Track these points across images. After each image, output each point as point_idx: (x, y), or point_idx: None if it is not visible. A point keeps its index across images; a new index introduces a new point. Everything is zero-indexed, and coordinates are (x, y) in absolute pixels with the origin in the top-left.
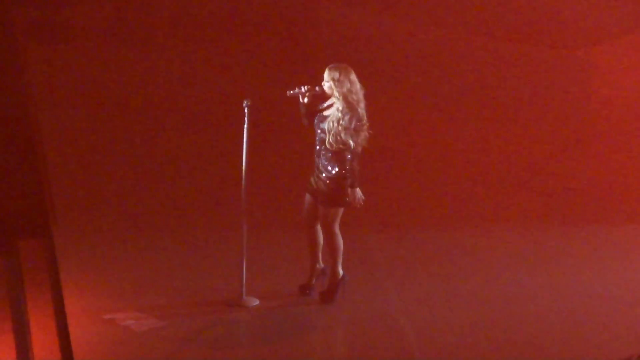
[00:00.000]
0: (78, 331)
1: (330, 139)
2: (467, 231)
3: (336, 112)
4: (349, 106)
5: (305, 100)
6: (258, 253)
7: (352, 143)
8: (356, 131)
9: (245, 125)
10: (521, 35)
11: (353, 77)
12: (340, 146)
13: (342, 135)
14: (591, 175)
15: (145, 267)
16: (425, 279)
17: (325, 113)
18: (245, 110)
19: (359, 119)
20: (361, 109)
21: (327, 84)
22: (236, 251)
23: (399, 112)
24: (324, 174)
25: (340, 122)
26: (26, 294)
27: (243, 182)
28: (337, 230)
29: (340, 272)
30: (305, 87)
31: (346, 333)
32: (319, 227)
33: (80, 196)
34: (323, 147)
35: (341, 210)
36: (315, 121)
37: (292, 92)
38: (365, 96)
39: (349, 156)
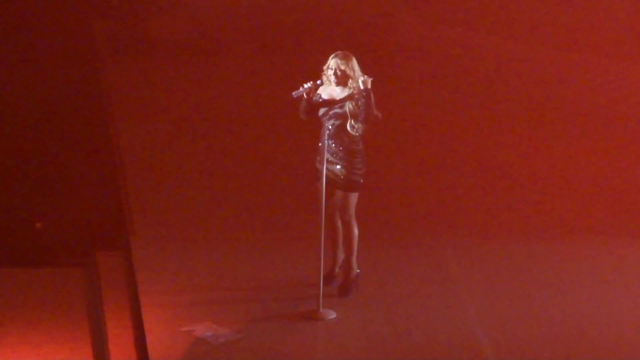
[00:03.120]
0: (155, 342)
1: (356, 121)
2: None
3: (355, 94)
4: (366, 86)
5: (311, 95)
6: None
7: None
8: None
9: (325, 138)
10: (581, 45)
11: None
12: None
13: (374, 110)
14: None
15: (222, 278)
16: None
17: (337, 99)
18: (325, 123)
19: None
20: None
21: (337, 72)
22: (314, 262)
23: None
24: (341, 161)
25: (361, 101)
26: (104, 305)
27: (322, 191)
28: (354, 218)
29: (355, 266)
30: (309, 84)
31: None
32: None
33: (159, 208)
34: (339, 133)
35: (356, 196)
36: (323, 111)
37: (297, 92)
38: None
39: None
